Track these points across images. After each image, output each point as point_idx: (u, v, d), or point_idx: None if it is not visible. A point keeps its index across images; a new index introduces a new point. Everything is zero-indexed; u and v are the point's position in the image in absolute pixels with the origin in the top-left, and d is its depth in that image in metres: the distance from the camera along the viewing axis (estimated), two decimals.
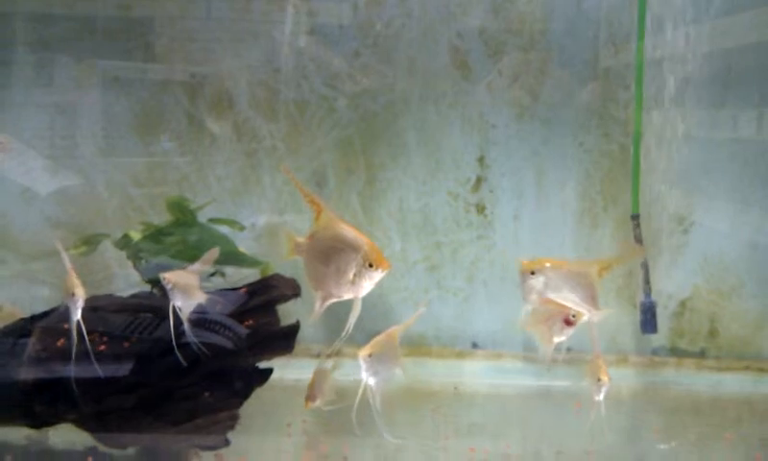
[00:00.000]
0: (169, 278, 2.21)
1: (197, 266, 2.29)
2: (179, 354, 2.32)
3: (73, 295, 2.20)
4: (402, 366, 2.18)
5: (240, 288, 2.62)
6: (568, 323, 2.18)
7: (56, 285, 2.82)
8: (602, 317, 2.21)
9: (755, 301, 3.38)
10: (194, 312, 2.30)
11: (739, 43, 3.25)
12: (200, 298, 2.28)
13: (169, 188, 3.27)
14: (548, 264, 2.17)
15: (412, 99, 3.31)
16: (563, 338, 2.23)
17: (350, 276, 2.09)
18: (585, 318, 2.22)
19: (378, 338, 2.14)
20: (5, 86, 3.28)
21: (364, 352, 2.08)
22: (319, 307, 2.15)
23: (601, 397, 2.22)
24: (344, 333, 2.18)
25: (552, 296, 2.16)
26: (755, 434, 2.93)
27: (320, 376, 2.43)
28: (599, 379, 2.19)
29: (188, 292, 2.25)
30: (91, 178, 3.31)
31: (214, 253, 2.34)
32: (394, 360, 2.13)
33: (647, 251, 3.29)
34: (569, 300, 2.18)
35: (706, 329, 3.42)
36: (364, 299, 3.58)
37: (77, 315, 2.22)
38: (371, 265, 2.07)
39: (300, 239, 2.17)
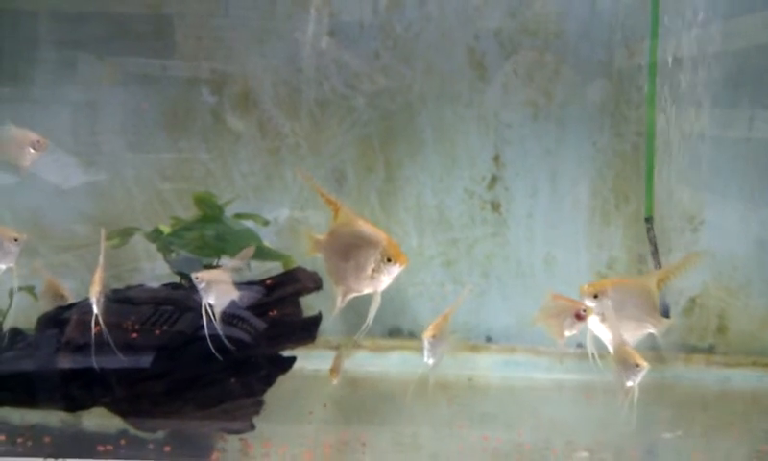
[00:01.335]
0: (202, 276, 2.28)
1: (230, 263, 2.36)
2: (211, 346, 2.39)
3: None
4: (452, 345, 2.27)
5: (265, 281, 2.73)
6: (579, 317, 2.24)
7: (86, 276, 2.94)
8: (665, 327, 2.24)
9: (762, 298, 3.45)
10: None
11: (750, 44, 3.31)
12: (232, 294, 2.34)
13: (195, 184, 3.39)
14: (609, 285, 2.18)
15: (429, 99, 3.40)
16: (574, 332, 2.26)
17: (369, 271, 2.17)
18: (651, 329, 2.23)
19: (437, 321, 2.23)
20: (36, 84, 3.40)
21: (428, 334, 2.18)
22: (340, 302, 2.24)
23: (636, 382, 2.17)
24: (364, 326, 2.28)
25: (616, 315, 2.16)
26: (760, 427, 3.00)
27: (341, 356, 2.54)
28: (637, 365, 2.15)
29: (221, 290, 2.32)
30: (120, 173, 3.43)
31: (249, 251, 2.41)
32: (447, 340, 2.23)
33: (661, 252, 3.33)
34: (632, 316, 2.19)
35: (714, 326, 3.49)
36: (382, 293, 3.71)
37: (96, 309, 2.31)
38: (389, 260, 2.15)
39: (320, 237, 2.26)
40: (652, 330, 2.25)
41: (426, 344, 2.18)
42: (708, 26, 3.33)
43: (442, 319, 2.24)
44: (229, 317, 2.55)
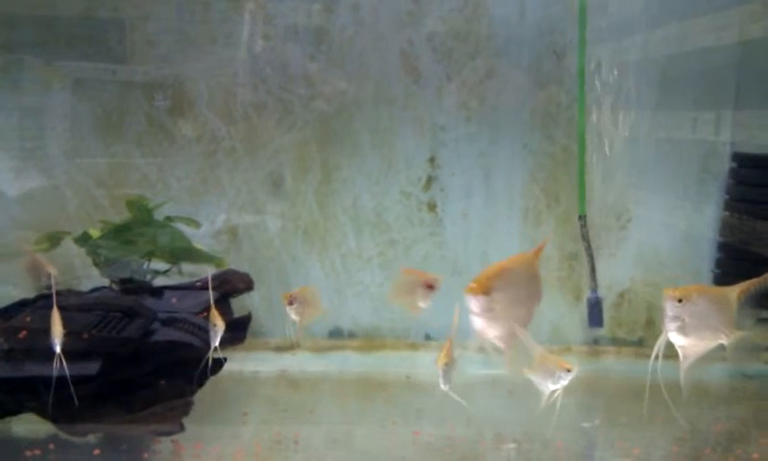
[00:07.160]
0: None
1: None
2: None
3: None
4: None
5: (195, 282, 2.74)
6: (430, 287, 2.27)
7: (19, 281, 2.92)
8: (735, 340, 2.15)
9: None
10: (166, 312, 2.45)
11: (673, 52, 3.45)
12: None
13: (130, 188, 3.37)
14: (695, 291, 2.10)
15: (365, 102, 3.46)
16: (428, 303, 2.31)
17: None
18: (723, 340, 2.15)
19: (446, 347, 2.21)
20: None
21: (441, 362, 2.17)
22: None
23: (562, 384, 2.22)
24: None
25: (695, 322, 2.10)
26: (684, 417, 3.12)
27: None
28: (568, 370, 2.20)
29: None
30: (55, 178, 3.40)
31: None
32: (456, 363, 2.23)
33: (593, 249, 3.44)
34: (710, 326, 2.12)
35: (643, 319, 3.61)
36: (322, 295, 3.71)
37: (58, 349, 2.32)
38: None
39: None
40: (724, 341, 2.18)
41: (440, 372, 2.17)
42: (632, 35, 3.45)
43: (449, 343, 2.22)
44: (180, 324, 2.58)
